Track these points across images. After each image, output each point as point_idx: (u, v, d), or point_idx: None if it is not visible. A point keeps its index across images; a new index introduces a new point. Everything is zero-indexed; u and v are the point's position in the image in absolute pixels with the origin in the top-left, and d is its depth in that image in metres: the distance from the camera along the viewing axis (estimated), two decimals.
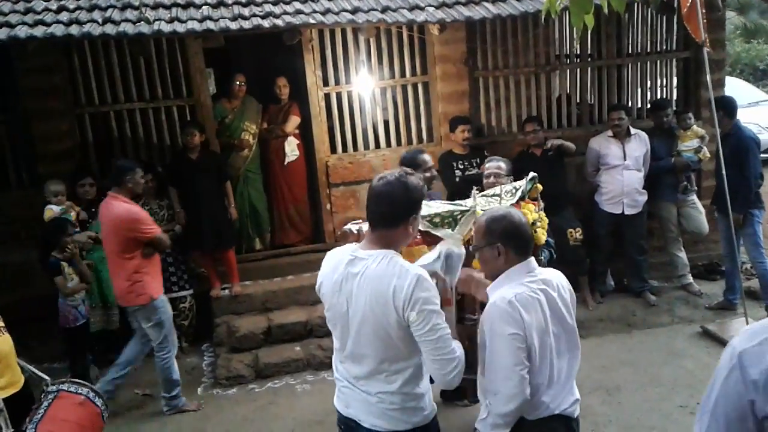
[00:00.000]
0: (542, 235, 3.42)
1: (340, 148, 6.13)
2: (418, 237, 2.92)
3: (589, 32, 6.49)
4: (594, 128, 6.43)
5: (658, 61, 6.77)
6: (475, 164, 5.70)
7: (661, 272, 6.39)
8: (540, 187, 3.67)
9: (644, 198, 5.93)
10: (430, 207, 3.12)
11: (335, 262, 2.41)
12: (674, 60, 6.77)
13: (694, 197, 6.10)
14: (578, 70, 6.81)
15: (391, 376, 2.33)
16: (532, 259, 2.49)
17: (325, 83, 6.00)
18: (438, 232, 3.06)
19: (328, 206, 6.11)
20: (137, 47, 5.40)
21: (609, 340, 5.29)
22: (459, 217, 3.12)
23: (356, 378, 2.41)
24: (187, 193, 5.61)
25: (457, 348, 2.31)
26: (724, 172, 5.22)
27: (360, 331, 2.32)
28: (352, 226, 2.78)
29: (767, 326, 1.52)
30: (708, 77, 5.41)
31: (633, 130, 5.89)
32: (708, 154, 5.93)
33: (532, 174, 3.68)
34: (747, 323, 5.18)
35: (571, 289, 2.56)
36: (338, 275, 2.36)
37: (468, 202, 3.20)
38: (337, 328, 2.44)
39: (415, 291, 2.20)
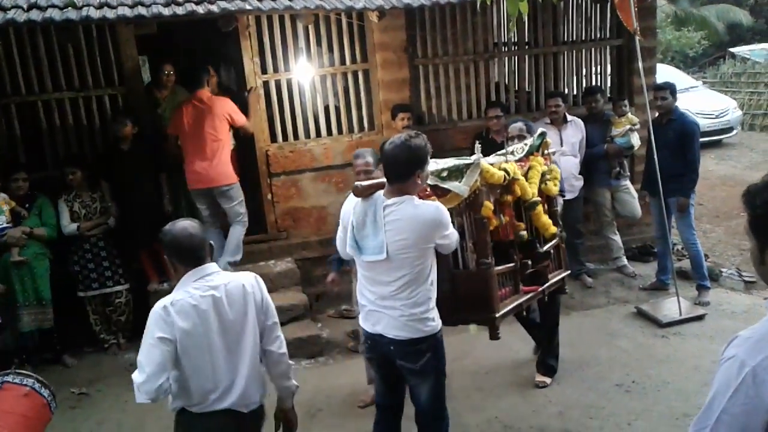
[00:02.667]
0: (553, 187, 4.01)
1: (280, 137, 6.05)
2: (428, 190, 3.30)
3: (526, 21, 6.60)
4: (532, 115, 6.52)
5: (593, 49, 6.93)
6: None
7: (597, 255, 6.58)
8: (550, 141, 4.19)
9: (581, 183, 6.08)
10: (437, 163, 3.40)
11: (362, 205, 2.99)
12: (608, 48, 6.93)
13: (627, 182, 6.28)
14: (516, 57, 6.92)
15: (412, 293, 2.94)
16: (207, 266, 2.66)
17: (264, 71, 5.90)
18: (446, 185, 3.34)
19: (269, 196, 6.03)
20: (65, 34, 5.20)
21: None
22: (465, 170, 3.37)
23: (383, 298, 3.00)
24: (120, 185, 5.45)
25: None
26: (656, 157, 5.40)
27: (395, 258, 2.89)
28: (360, 183, 3.06)
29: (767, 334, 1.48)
30: (640, 64, 5.58)
31: (569, 117, 6.01)
32: (639, 142, 6.11)
33: (541, 129, 4.21)
34: (678, 302, 5.40)
35: (260, 289, 2.76)
36: (369, 218, 2.95)
37: (473, 157, 3.45)
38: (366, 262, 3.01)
39: (438, 216, 2.92)
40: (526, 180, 3.82)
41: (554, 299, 4.40)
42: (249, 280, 2.73)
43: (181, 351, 2.53)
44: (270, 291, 5.31)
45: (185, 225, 2.67)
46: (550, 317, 4.53)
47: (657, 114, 5.78)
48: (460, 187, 3.32)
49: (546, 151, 4.13)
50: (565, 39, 6.87)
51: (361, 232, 2.99)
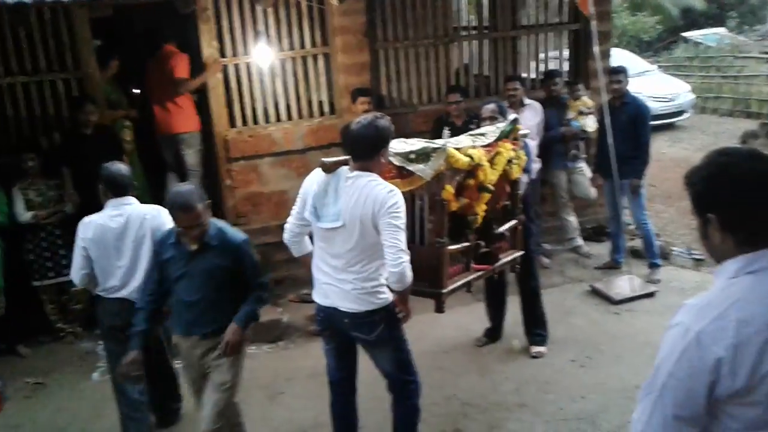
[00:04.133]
0: (516, 171, 4.17)
1: (239, 122, 6.01)
2: (394, 171, 3.43)
3: (485, 5, 6.67)
4: (491, 99, 6.61)
5: (551, 33, 7.04)
6: None
7: (554, 236, 6.73)
8: (521, 128, 4.33)
9: (539, 166, 6.19)
10: (406, 144, 3.53)
11: (326, 177, 3.14)
12: (565, 32, 7.05)
13: (583, 164, 6.43)
14: (476, 42, 6.99)
15: (364, 267, 3.08)
16: (125, 198, 3.66)
17: (223, 55, 5.84)
18: (411, 167, 3.46)
19: (228, 181, 6.00)
20: (17, 17, 5.06)
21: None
22: (432, 154, 3.48)
23: (336, 270, 3.13)
24: (82, 172, 5.35)
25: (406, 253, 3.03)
26: (611, 140, 5.54)
27: (349, 227, 3.02)
28: (327, 159, 3.19)
29: (714, 301, 1.54)
30: (595, 48, 5.70)
31: (527, 101, 6.10)
32: (596, 124, 6.24)
33: (514, 115, 4.36)
34: (631, 280, 5.59)
35: (160, 217, 3.63)
36: (331, 188, 3.10)
37: (440, 141, 3.60)
38: (322, 230, 3.14)
39: (389, 198, 2.97)
40: (492, 166, 3.91)
41: (531, 274, 4.64)
42: (151, 211, 3.69)
43: (91, 255, 3.60)
44: None
45: (119, 166, 3.72)
46: (528, 290, 4.71)
47: (611, 97, 5.92)
48: (425, 170, 3.46)
49: (516, 137, 4.22)
50: (524, 23, 6.96)
51: (322, 200, 3.13)
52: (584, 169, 6.41)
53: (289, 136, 6.06)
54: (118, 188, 3.66)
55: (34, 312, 5.35)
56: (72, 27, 5.49)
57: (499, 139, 4.09)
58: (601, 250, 6.51)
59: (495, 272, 4.21)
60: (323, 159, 3.18)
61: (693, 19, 22.48)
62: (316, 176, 3.22)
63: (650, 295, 5.55)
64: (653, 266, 5.95)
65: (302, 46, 6.05)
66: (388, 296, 3.17)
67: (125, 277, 3.67)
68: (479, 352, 4.82)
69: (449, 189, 3.58)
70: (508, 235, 4.24)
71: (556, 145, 6.28)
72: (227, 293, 3.31)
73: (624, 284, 5.64)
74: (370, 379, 3.56)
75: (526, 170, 4.42)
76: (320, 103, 6.22)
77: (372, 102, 5.83)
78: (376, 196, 2.99)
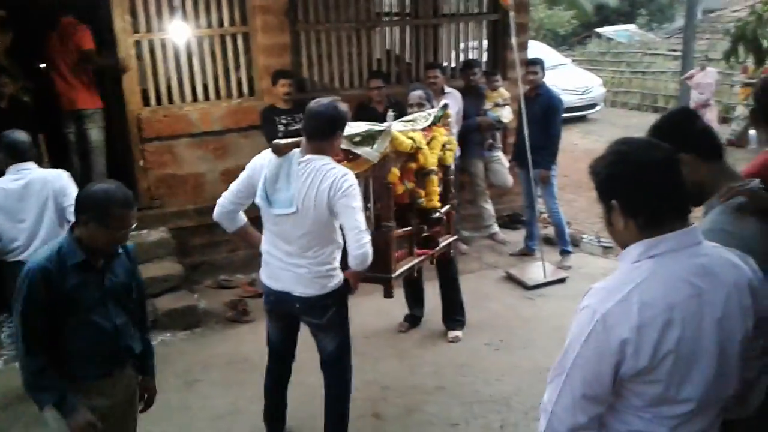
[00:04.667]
0: (450, 157, 4.25)
1: (153, 101, 5.78)
2: (341, 154, 3.39)
3: None
4: (412, 85, 6.64)
5: (471, 23, 7.13)
6: (297, 119, 5.65)
7: (471, 223, 6.87)
8: (450, 113, 4.46)
9: (457, 154, 6.28)
10: (350, 127, 3.48)
11: (277, 160, 3.05)
12: (484, 22, 7.16)
13: (500, 154, 6.57)
14: (398, 28, 6.99)
15: (317, 252, 3.05)
16: (26, 163, 3.82)
17: (136, 30, 5.59)
18: (358, 150, 3.46)
19: (141, 162, 5.76)
20: None
21: (425, 287, 5.61)
22: (377, 136, 3.48)
23: (289, 255, 3.08)
24: None
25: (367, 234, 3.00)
26: (526, 131, 5.68)
27: (303, 212, 2.96)
28: (279, 141, 3.11)
29: (618, 285, 1.59)
30: (513, 39, 5.81)
31: (447, 89, 6.15)
32: (512, 115, 6.39)
33: (444, 101, 4.43)
34: (543, 266, 5.76)
35: (61, 180, 3.84)
36: (283, 172, 3.02)
37: (384, 124, 3.59)
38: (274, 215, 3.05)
39: (344, 181, 2.93)
40: (429, 149, 3.96)
41: (451, 261, 4.68)
42: (54, 174, 3.88)
43: None
44: (144, 261, 5.20)
45: (18, 134, 3.83)
46: (449, 277, 4.77)
47: (527, 88, 6.06)
48: (372, 153, 3.47)
49: (446, 123, 4.30)
50: (445, 12, 7.01)
51: (274, 185, 3.05)
52: (501, 158, 6.56)
53: (206, 117, 5.88)
54: (18, 154, 3.80)
55: None
56: None
57: (432, 124, 4.15)
58: (516, 237, 6.69)
59: (434, 256, 4.27)
60: (276, 141, 3.08)
61: (606, 16, 23.39)
62: (265, 159, 3.12)
63: (561, 280, 5.76)
64: (564, 253, 6.17)
65: (221, 24, 5.88)
66: (340, 279, 3.17)
67: (28, 239, 3.83)
68: (398, 338, 4.86)
69: (395, 172, 3.63)
70: (444, 219, 4.30)
71: (473, 134, 6.38)
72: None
73: (537, 270, 5.82)
74: (298, 365, 3.53)
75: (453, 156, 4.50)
76: (239, 84, 6.06)
77: (293, 84, 5.72)
78: (331, 181, 2.93)
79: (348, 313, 3.34)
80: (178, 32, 5.70)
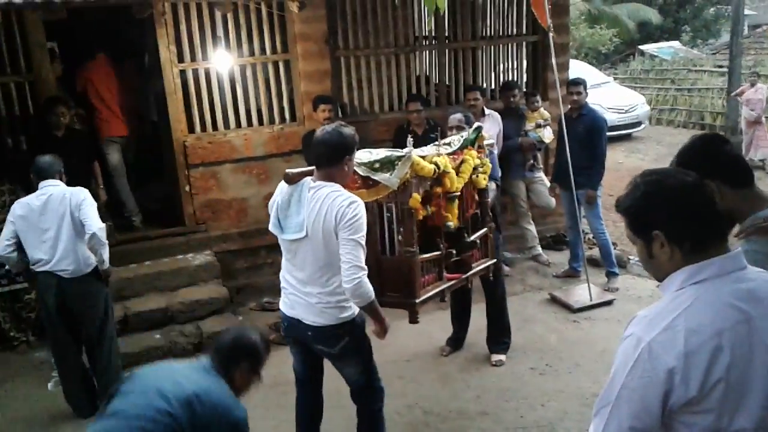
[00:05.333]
0: (483, 180, 4.20)
1: (198, 128, 5.92)
2: (359, 182, 3.41)
3: (446, 15, 6.71)
4: (451, 108, 6.65)
5: (510, 45, 7.12)
6: None
7: (514, 245, 6.79)
8: (486, 136, 4.38)
9: (498, 175, 6.23)
10: (371, 154, 3.49)
11: (289, 188, 3.07)
12: (524, 43, 7.14)
13: (541, 174, 6.51)
14: (436, 51, 7.03)
15: (329, 280, 3.00)
16: (49, 180, 4.16)
17: (181, 59, 5.75)
18: (377, 176, 3.42)
19: (187, 188, 5.89)
20: None
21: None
22: (396, 162, 3.44)
23: (301, 283, 3.07)
24: None
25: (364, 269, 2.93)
26: (568, 151, 5.62)
27: (313, 238, 2.95)
28: (290, 170, 3.14)
29: (662, 312, 1.56)
30: (553, 60, 5.78)
31: (487, 111, 6.14)
32: (552, 135, 6.33)
33: (477, 124, 4.35)
34: (589, 288, 5.65)
35: (78, 196, 4.13)
36: (294, 199, 3.03)
37: (405, 150, 3.54)
38: (287, 241, 3.07)
39: (350, 210, 2.89)
40: (458, 173, 3.91)
41: (498, 281, 4.63)
42: (73, 190, 4.14)
43: (17, 229, 4.08)
44: (189, 284, 5.27)
45: (43, 157, 4.19)
46: (495, 298, 4.72)
47: (569, 108, 6.00)
48: (390, 179, 3.43)
49: (481, 145, 4.26)
50: (483, 34, 7.03)
51: (285, 211, 3.07)
52: (543, 179, 6.49)
53: (249, 143, 5.99)
54: (42, 173, 4.15)
55: None
56: (24, 30, 5.35)
57: (463, 147, 4.11)
58: (560, 259, 6.59)
59: (468, 281, 4.20)
60: (287, 170, 3.12)
61: (648, 33, 23.10)
62: (280, 188, 3.16)
63: (608, 303, 5.63)
64: (611, 275, 6.04)
65: (263, 52, 6.01)
66: (354, 310, 3.12)
67: (51, 251, 4.08)
68: (440, 361, 4.81)
69: (416, 197, 3.57)
70: (479, 243, 4.25)
71: (514, 155, 6.34)
72: None
73: (582, 292, 5.71)
74: (332, 388, 3.52)
75: (492, 178, 4.45)
76: (281, 110, 6.17)
77: (333, 110, 5.80)
78: (338, 208, 2.91)
79: (367, 341, 3.26)
80: (222, 61, 5.84)
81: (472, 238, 4.13)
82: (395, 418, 4.00)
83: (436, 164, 3.69)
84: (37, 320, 5.28)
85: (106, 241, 4.20)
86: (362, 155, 3.44)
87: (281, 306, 3.27)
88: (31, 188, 4.49)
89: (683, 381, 1.49)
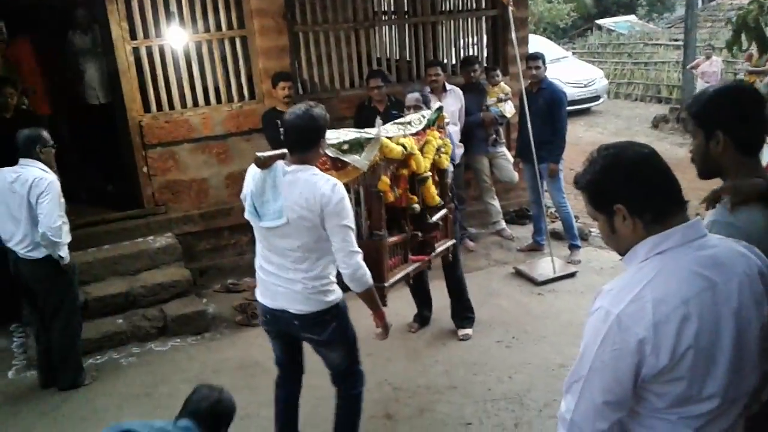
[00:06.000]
0: (446, 160, 4.16)
1: (154, 107, 5.75)
2: (328, 163, 3.31)
3: None
4: (412, 84, 6.59)
5: (470, 19, 7.09)
6: None
7: (478, 220, 6.82)
8: (445, 116, 4.36)
9: (461, 151, 6.23)
10: (338, 135, 3.42)
11: (261, 173, 2.93)
12: (483, 18, 7.11)
13: (504, 149, 6.53)
14: (396, 26, 6.95)
15: (312, 265, 2.91)
16: (27, 160, 4.12)
17: (133, 36, 5.56)
18: (346, 158, 3.36)
19: (145, 169, 5.74)
20: None
21: (433, 286, 5.57)
22: (365, 143, 3.40)
23: (283, 269, 2.95)
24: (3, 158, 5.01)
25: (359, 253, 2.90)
26: (530, 125, 5.63)
27: (294, 224, 2.84)
28: (261, 154, 2.99)
29: (628, 284, 1.56)
30: (513, 35, 5.77)
31: (448, 86, 6.11)
32: (514, 110, 6.35)
33: (438, 104, 4.32)
34: (552, 261, 5.71)
35: (43, 180, 4.06)
36: (269, 185, 2.89)
37: (373, 130, 3.50)
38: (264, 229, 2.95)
39: (334, 195, 2.81)
40: (422, 154, 3.92)
41: (456, 260, 4.64)
42: (39, 178, 4.04)
43: None
44: (150, 268, 5.20)
45: (24, 131, 4.12)
46: (455, 277, 4.73)
47: (529, 83, 6.01)
48: (361, 161, 3.38)
49: (441, 125, 4.24)
50: (443, 9, 6.97)
51: (261, 198, 2.94)
52: (506, 154, 6.51)
53: (207, 122, 5.85)
54: (20, 149, 4.09)
55: None
56: None
57: (426, 127, 4.09)
58: (524, 233, 6.65)
59: (431, 262, 4.20)
60: (258, 154, 2.98)
61: (605, 7, 23.35)
62: (251, 173, 3.03)
63: (571, 275, 5.71)
64: (573, 247, 6.12)
65: (218, 28, 5.85)
66: (339, 294, 3.05)
67: (12, 229, 4.13)
68: (408, 337, 4.82)
69: (385, 180, 3.54)
70: (441, 224, 4.24)
71: (476, 130, 6.34)
72: None
73: (546, 266, 5.77)
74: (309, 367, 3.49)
75: (450, 158, 4.43)
76: (239, 88, 6.04)
77: (293, 87, 5.69)
78: (321, 193, 2.81)
79: (351, 326, 3.21)
80: (176, 38, 5.67)
81: (434, 218, 4.12)
82: (365, 396, 3.97)
83: (403, 146, 3.66)
84: None
85: (62, 240, 4.12)
86: (330, 135, 3.32)
87: (260, 298, 3.14)
88: None
89: (654, 351, 1.49)
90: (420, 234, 4.01)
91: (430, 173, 3.99)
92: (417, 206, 3.91)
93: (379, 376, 4.28)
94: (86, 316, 4.96)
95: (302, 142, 2.90)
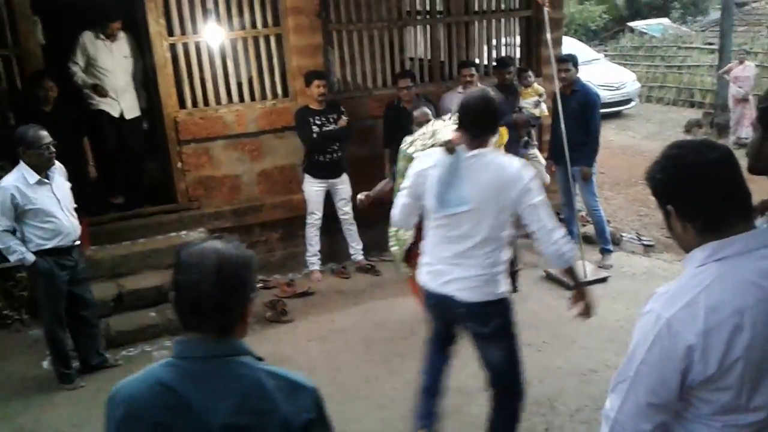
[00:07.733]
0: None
1: (189, 103, 5.82)
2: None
3: None
4: (445, 84, 6.60)
5: (503, 20, 7.04)
6: (332, 120, 5.66)
7: None
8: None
9: None
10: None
11: (446, 159, 2.90)
12: (517, 19, 7.06)
13: (536, 151, 6.47)
14: (429, 26, 6.94)
15: (490, 252, 2.89)
16: None
17: (171, 33, 5.63)
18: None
19: (179, 164, 5.80)
20: None
21: None
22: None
23: (459, 255, 2.90)
24: None
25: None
26: (563, 127, 5.58)
27: (477, 209, 2.82)
28: (451, 139, 3.01)
29: (683, 288, 1.54)
30: (548, 35, 5.72)
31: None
32: (546, 111, 6.30)
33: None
34: (584, 265, 5.65)
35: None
36: (453, 168, 2.86)
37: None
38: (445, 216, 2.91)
39: (523, 175, 2.82)
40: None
41: None
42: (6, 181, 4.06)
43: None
44: None
45: (36, 129, 4.10)
46: None
47: (561, 85, 5.96)
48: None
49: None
50: (477, 9, 6.94)
51: (447, 185, 2.91)
52: (538, 155, 6.46)
53: (241, 119, 5.90)
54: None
55: None
56: (11, 3, 5.20)
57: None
58: None
59: None
60: (448, 138, 2.99)
61: (638, 9, 23.04)
62: (426, 162, 3.01)
63: (603, 280, 5.65)
64: (605, 252, 6.05)
65: (254, 26, 5.89)
66: (507, 287, 3.05)
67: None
68: None
69: None
70: None
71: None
72: None
73: (577, 269, 5.69)
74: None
75: None
76: (273, 86, 6.07)
77: (327, 85, 5.71)
78: (511, 173, 2.82)
79: (514, 321, 3.14)
80: (212, 35, 5.73)
81: None
82: (392, 395, 4.00)
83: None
84: (31, 298, 5.21)
85: (4, 246, 4.11)
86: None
87: (427, 283, 3.09)
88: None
89: (702, 358, 1.47)
90: None
91: None
92: None
93: (406, 375, 4.28)
94: (120, 309, 5.06)
95: (486, 127, 2.90)
